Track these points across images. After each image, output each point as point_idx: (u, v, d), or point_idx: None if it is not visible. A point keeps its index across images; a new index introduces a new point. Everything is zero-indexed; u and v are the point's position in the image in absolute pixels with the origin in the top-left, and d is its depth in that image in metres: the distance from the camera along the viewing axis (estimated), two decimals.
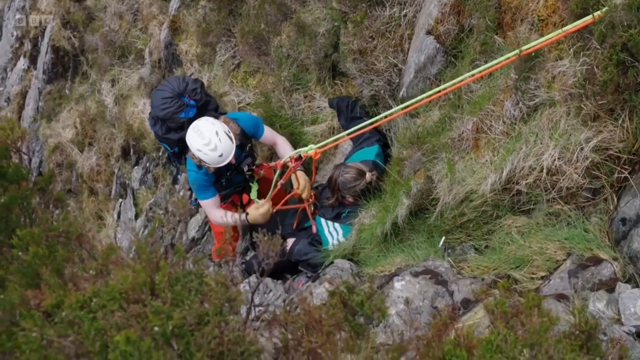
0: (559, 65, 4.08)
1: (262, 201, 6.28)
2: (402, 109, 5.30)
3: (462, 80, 4.76)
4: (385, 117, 5.60)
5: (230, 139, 5.91)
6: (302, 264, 5.99)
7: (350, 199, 5.80)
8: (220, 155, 5.85)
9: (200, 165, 6.03)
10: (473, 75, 4.69)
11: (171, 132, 6.26)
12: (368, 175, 5.66)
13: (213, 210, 6.34)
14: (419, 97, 5.09)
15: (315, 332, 2.33)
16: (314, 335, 2.32)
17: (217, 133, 5.81)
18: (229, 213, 6.33)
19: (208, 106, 6.33)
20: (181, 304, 2.22)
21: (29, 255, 2.49)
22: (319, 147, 6.18)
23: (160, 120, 6.26)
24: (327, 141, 6.23)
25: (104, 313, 2.15)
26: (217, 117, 6.10)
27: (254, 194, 6.66)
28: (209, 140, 5.78)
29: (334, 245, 5.78)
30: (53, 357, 2.08)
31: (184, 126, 6.10)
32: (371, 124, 5.74)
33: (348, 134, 6.04)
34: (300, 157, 6.25)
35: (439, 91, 4.96)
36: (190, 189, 6.68)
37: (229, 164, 6.03)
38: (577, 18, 3.93)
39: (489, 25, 4.81)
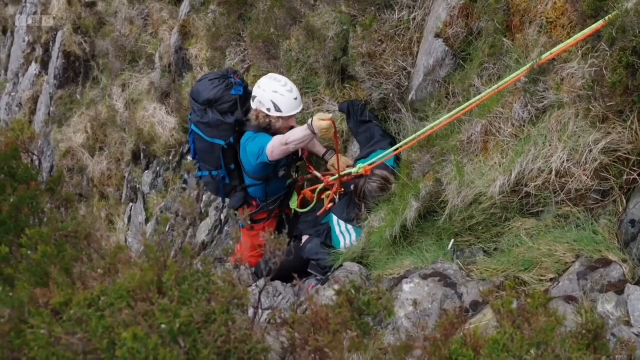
0: (568, 68, 4.08)
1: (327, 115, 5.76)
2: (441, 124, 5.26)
3: (482, 97, 4.76)
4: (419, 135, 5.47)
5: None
6: (312, 267, 5.98)
7: (371, 205, 5.77)
8: (296, 99, 5.91)
9: (258, 119, 6.00)
10: (492, 90, 4.68)
11: (225, 115, 6.21)
12: (394, 187, 5.64)
13: (283, 138, 5.87)
14: (448, 116, 5.00)
15: (322, 331, 2.34)
16: (320, 334, 2.32)
17: (289, 81, 5.97)
18: (295, 130, 5.93)
19: (248, 89, 6.38)
20: (188, 302, 2.23)
21: (38, 254, 2.51)
22: (368, 165, 6.00)
23: (211, 105, 6.20)
24: (374, 159, 5.94)
25: (111, 311, 2.17)
26: None
27: (294, 204, 6.67)
28: (285, 82, 5.88)
29: (346, 247, 5.77)
30: (61, 354, 2.10)
31: (236, 106, 6.13)
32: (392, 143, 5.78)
33: (394, 150, 5.86)
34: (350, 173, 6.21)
35: (463, 109, 4.90)
36: (198, 190, 6.66)
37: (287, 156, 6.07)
38: (587, 20, 3.93)
39: (498, 28, 4.81)
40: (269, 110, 5.89)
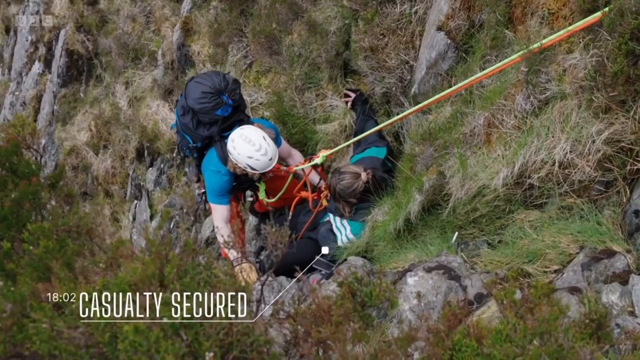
0: (570, 58, 4.06)
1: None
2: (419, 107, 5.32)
3: (473, 79, 4.76)
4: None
5: (273, 141, 6.04)
6: (318, 262, 5.96)
7: (355, 200, 5.75)
8: (270, 159, 5.96)
9: (235, 170, 6.10)
10: (478, 77, 4.68)
11: (201, 127, 6.19)
12: (363, 175, 5.59)
13: (222, 219, 6.33)
14: (434, 97, 5.07)
15: (324, 323, 2.33)
16: (323, 326, 2.32)
17: (264, 138, 5.93)
18: (224, 230, 6.32)
19: (240, 107, 6.30)
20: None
21: (40, 249, 2.51)
22: (330, 154, 6.33)
23: (191, 112, 6.18)
24: (335, 149, 6.38)
25: (113, 304, 2.17)
26: (249, 122, 6.17)
27: (262, 194, 6.70)
28: (260, 145, 5.87)
29: (343, 241, 5.77)
30: (63, 347, 2.10)
31: (217, 123, 6.11)
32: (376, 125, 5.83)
33: (355, 140, 6.10)
34: (316, 164, 6.36)
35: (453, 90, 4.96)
36: (197, 181, 6.69)
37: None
38: (585, 13, 3.92)
39: (500, 20, 4.80)
40: (245, 168, 6.01)
